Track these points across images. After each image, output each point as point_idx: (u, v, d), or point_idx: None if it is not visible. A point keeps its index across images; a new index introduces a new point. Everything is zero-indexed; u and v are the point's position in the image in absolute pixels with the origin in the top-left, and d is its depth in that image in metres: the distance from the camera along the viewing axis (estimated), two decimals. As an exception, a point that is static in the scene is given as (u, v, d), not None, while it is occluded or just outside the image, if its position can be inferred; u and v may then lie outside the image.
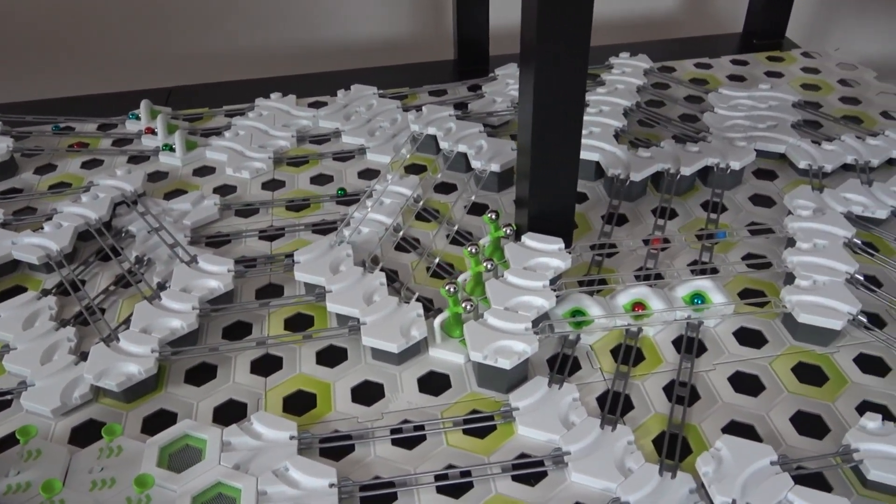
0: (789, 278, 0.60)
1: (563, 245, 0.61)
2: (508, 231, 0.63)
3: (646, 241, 0.67)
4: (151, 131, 0.85)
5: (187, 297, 0.59)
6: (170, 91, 0.97)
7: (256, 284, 0.65)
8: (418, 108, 0.84)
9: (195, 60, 1.13)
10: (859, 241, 0.63)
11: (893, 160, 0.75)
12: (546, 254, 0.60)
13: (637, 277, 0.63)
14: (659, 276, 0.63)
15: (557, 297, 0.58)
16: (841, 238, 0.62)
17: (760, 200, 0.72)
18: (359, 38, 1.16)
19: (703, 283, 0.60)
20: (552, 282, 0.58)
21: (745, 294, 0.62)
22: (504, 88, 0.90)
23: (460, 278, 0.59)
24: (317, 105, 0.90)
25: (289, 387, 0.55)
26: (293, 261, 0.63)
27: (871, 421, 0.48)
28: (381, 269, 0.62)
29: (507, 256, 0.61)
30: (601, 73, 0.92)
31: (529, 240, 0.62)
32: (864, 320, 0.56)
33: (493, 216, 0.62)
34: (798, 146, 0.76)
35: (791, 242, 0.63)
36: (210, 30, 1.12)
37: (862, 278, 0.59)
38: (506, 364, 0.52)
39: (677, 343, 0.57)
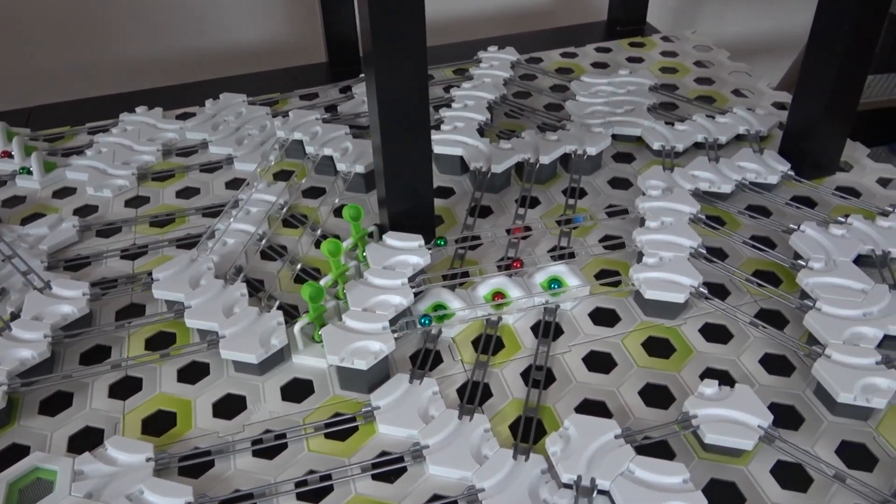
0: (640, 257, 0.63)
1: (422, 242, 0.62)
2: (371, 229, 0.64)
3: (509, 231, 0.68)
4: (8, 155, 0.82)
5: (38, 326, 0.58)
6: (30, 111, 0.93)
7: (117, 306, 0.63)
8: (286, 114, 0.83)
9: (57, 77, 1.09)
10: (704, 216, 0.66)
11: (741, 136, 0.79)
12: (405, 251, 0.61)
13: (499, 267, 0.64)
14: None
15: (416, 293, 0.59)
16: (686, 214, 0.65)
17: (619, 183, 0.75)
18: (230, 44, 1.15)
19: (559, 268, 0.62)
20: (412, 278, 0.59)
21: (601, 275, 0.64)
22: (374, 88, 0.90)
23: (321, 282, 0.59)
24: (184, 116, 0.88)
25: (148, 408, 0.54)
26: (153, 278, 0.61)
27: (709, 387, 0.51)
28: (245, 280, 0.62)
29: (367, 256, 0.61)
30: (469, 68, 0.93)
31: (390, 238, 0.62)
32: (706, 292, 0.59)
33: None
34: (653, 128, 0.79)
35: (642, 222, 0.66)
36: (72, 44, 1.09)
37: (705, 251, 0.62)
38: (362, 365, 0.52)
39: (536, 328, 0.59)
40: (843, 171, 0.75)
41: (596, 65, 0.96)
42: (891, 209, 0.66)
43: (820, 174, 0.73)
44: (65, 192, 0.77)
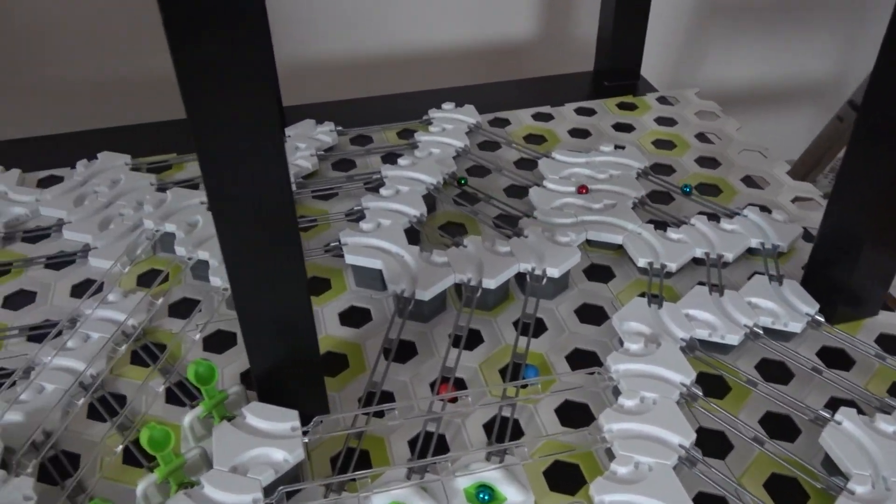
0: (610, 454, 0.44)
1: (296, 422, 0.43)
2: (234, 390, 0.45)
3: (433, 386, 0.50)
4: None
5: None
6: None
7: None
8: (164, 189, 0.65)
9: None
10: (700, 391, 0.48)
11: (753, 250, 0.60)
12: (267, 439, 0.42)
13: (411, 472, 0.45)
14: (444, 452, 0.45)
15: (277, 512, 0.40)
16: (676, 388, 0.47)
17: (589, 313, 0.56)
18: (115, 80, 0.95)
19: (491, 474, 0.43)
20: (270, 489, 0.41)
21: (555, 472, 0.45)
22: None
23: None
24: (50, 181, 0.69)
25: None
26: None
27: None
28: (52, 458, 0.43)
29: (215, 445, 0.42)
30: (417, 131, 0.74)
31: (251, 414, 0.44)
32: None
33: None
34: (638, 235, 0.60)
35: (616, 391, 0.48)
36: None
37: (698, 453, 0.44)
38: None
39: (449, 569, 0.41)
40: (889, 310, 0.56)
41: (574, 132, 0.78)
42: (959, 388, 0.47)
43: (856, 316, 0.55)
44: None
